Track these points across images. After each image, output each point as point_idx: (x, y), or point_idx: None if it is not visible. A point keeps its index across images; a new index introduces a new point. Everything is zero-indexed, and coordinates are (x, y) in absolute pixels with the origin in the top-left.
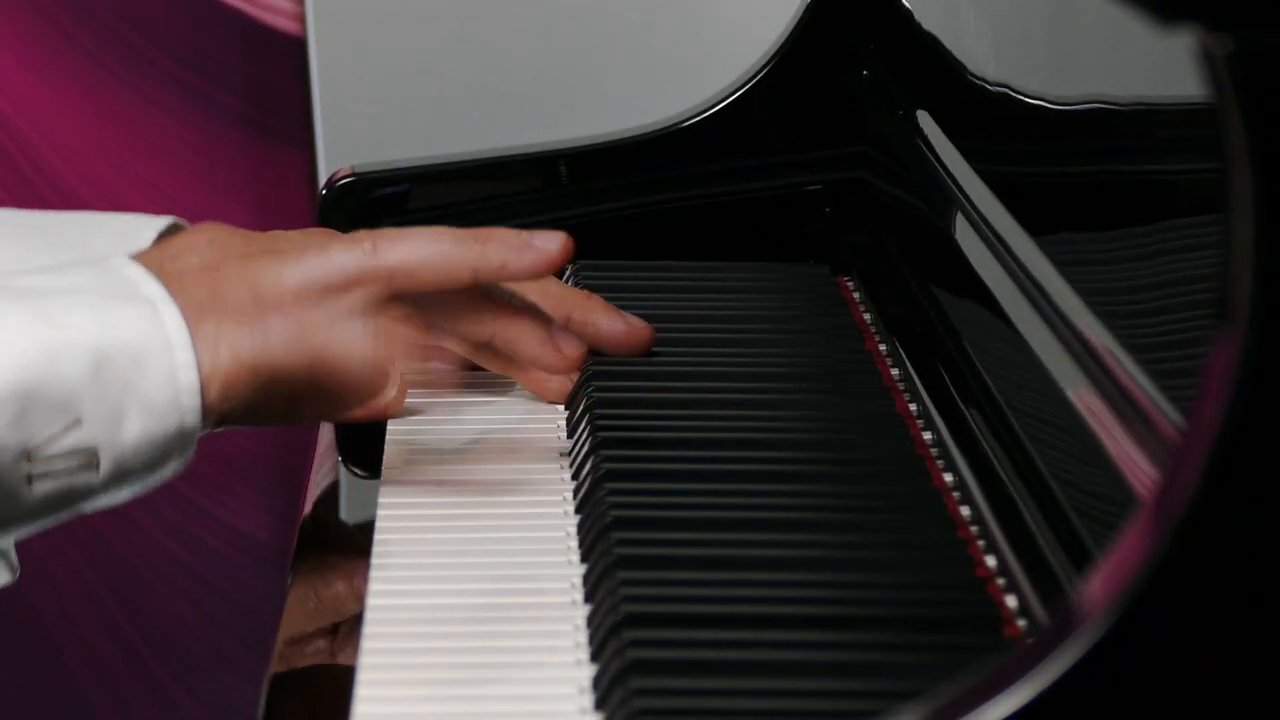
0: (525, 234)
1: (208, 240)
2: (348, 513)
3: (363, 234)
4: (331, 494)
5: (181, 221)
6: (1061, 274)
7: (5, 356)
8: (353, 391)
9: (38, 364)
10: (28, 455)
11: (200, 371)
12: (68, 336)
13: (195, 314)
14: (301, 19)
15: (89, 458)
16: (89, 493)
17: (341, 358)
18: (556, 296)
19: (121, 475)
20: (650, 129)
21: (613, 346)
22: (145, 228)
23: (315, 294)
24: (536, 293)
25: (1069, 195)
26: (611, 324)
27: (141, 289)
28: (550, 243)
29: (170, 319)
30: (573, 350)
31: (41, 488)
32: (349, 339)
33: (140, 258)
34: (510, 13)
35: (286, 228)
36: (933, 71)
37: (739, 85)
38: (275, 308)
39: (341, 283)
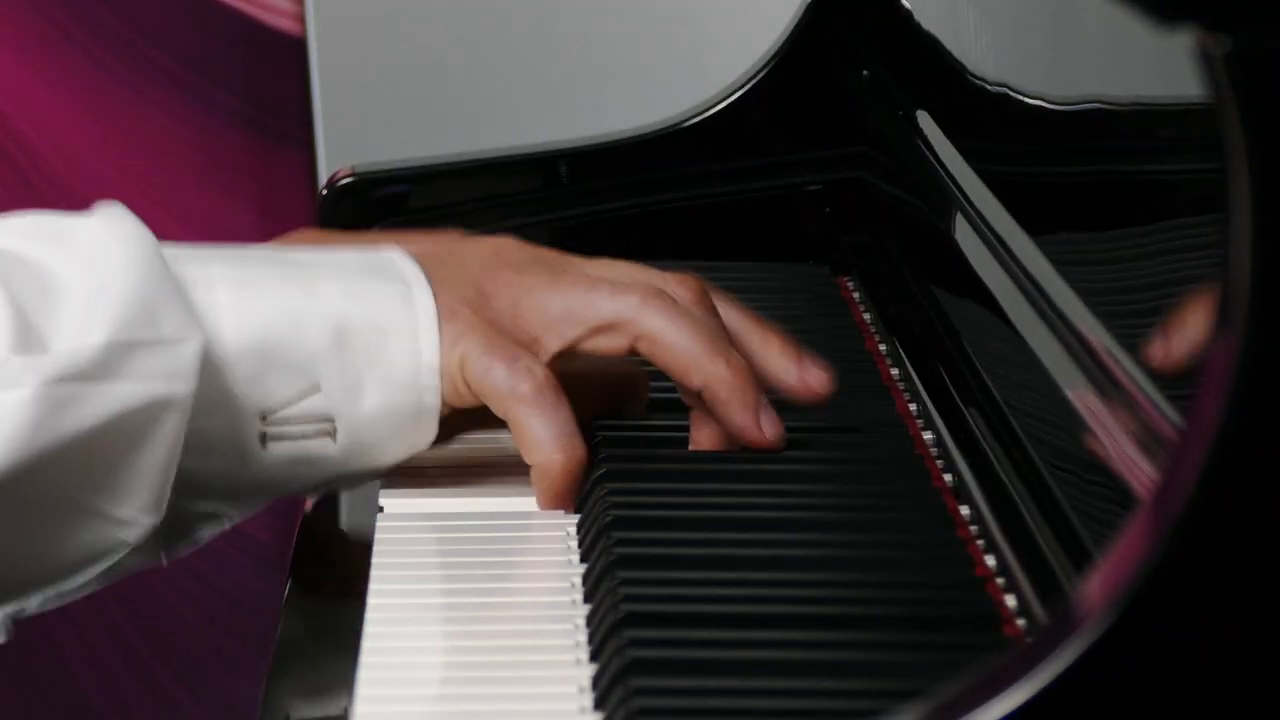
0: (758, 390)
1: (491, 250)
2: (348, 513)
3: (635, 284)
4: (332, 494)
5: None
6: (1061, 274)
7: (249, 315)
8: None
9: (281, 326)
10: (263, 415)
11: (441, 359)
12: (315, 303)
13: (454, 306)
14: (302, 19)
15: (326, 425)
16: (327, 462)
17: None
18: (735, 323)
19: (359, 447)
20: (650, 129)
21: (779, 390)
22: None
23: (569, 328)
24: (720, 311)
25: (1068, 195)
26: (783, 367)
27: (400, 269)
28: (772, 427)
29: (422, 300)
30: (773, 431)
31: (277, 450)
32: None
33: (421, 243)
34: (510, 13)
35: (287, 228)
36: (932, 72)
37: (739, 86)
38: (522, 333)
39: (597, 325)
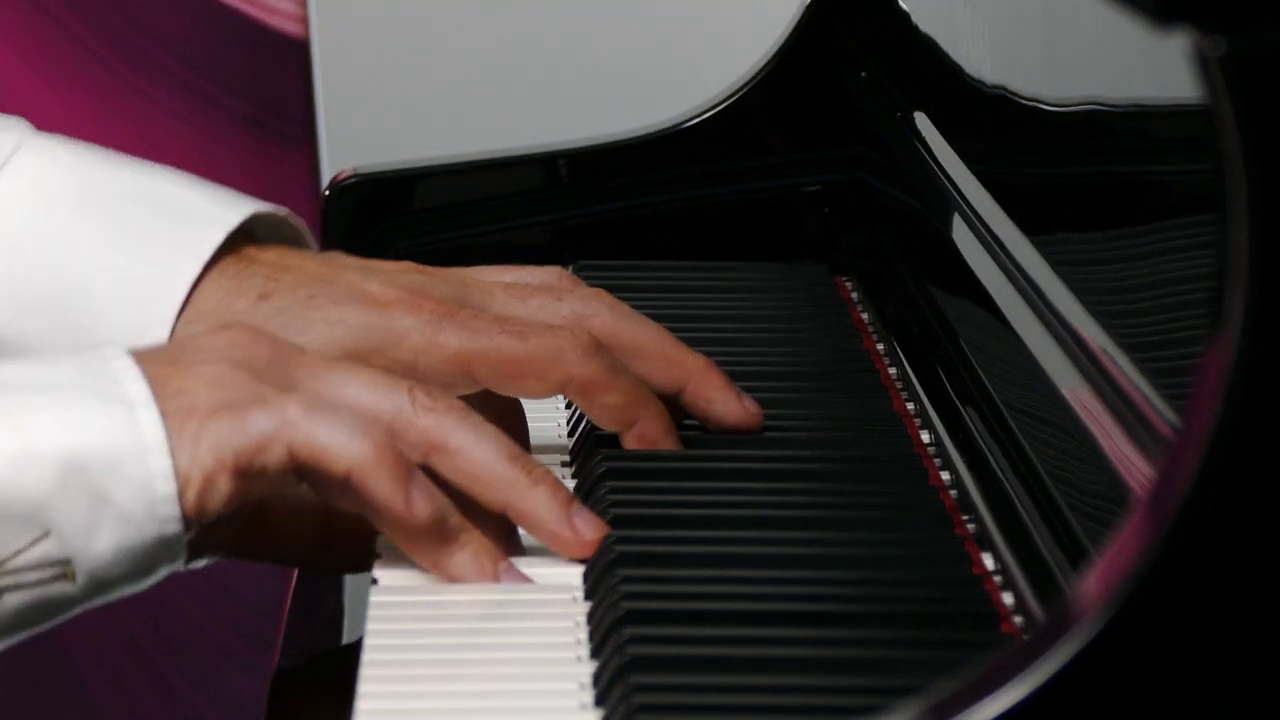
0: (570, 505)
1: (225, 343)
2: None
3: (404, 379)
4: None
5: (272, 213)
6: (1058, 274)
7: None
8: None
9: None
10: None
11: (178, 476)
12: (33, 441)
13: (183, 415)
14: (304, 22)
15: (62, 569)
16: (68, 603)
17: (331, 450)
18: (672, 361)
19: (101, 586)
20: (651, 129)
21: (722, 429)
22: (214, 224)
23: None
24: (650, 356)
25: (1065, 196)
26: (727, 405)
27: (125, 388)
28: (590, 530)
29: (148, 422)
30: (590, 534)
31: (13, 599)
32: (343, 429)
33: (150, 352)
34: (511, 14)
35: None
36: (930, 73)
37: (738, 87)
38: (269, 401)
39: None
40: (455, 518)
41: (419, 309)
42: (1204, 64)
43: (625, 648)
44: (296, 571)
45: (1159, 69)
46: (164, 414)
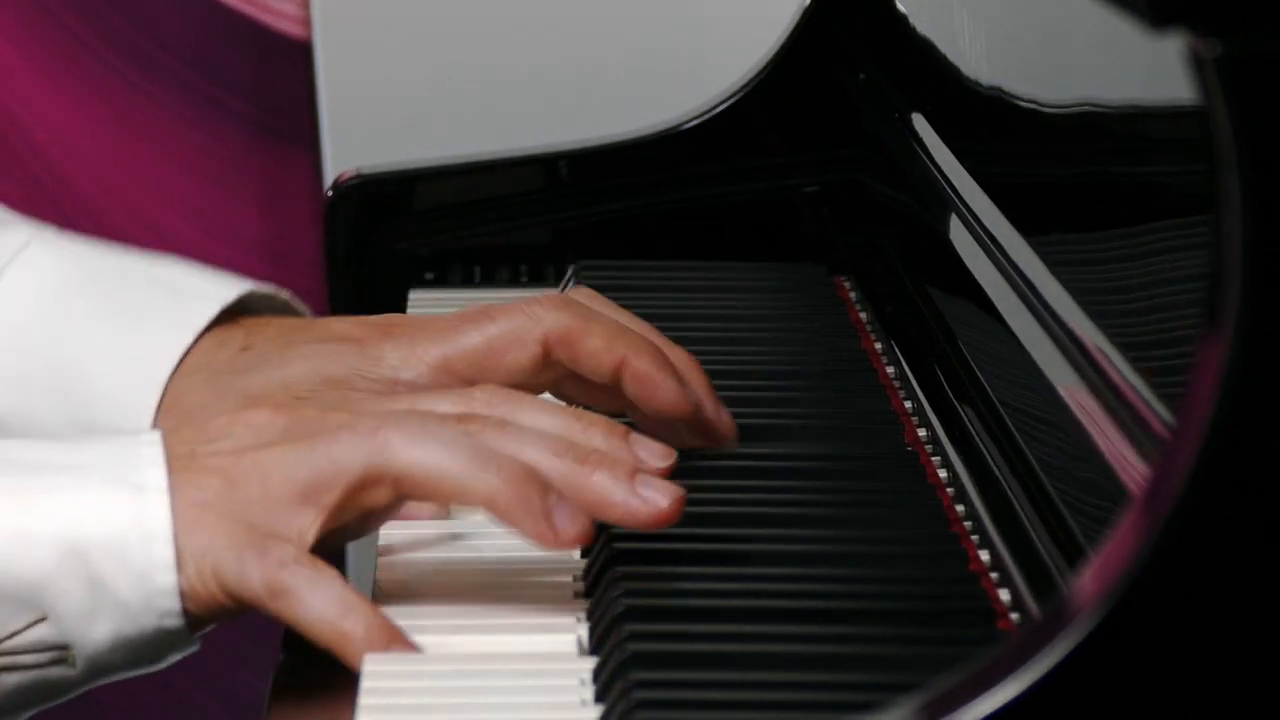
0: (544, 493)
1: (243, 423)
2: None
3: (374, 418)
4: None
5: (264, 292)
6: (1054, 273)
7: None
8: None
9: None
10: None
11: (186, 571)
12: (34, 521)
13: (198, 513)
14: (307, 24)
15: (61, 653)
16: (68, 686)
17: (309, 618)
18: (617, 334)
19: (102, 671)
20: (651, 131)
21: (660, 412)
22: (206, 299)
23: (324, 494)
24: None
25: (1061, 196)
26: (666, 387)
27: (142, 474)
28: (570, 525)
29: (157, 512)
30: (573, 529)
31: (10, 679)
32: (321, 597)
33: (172, 436)
34: (513, 17)
35: (293, 228)
36: (928, 75)
37: (737, 88)
38: (278, 519)
39: (350, 484)
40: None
41: (392, 333)
42: (1199, 66)
43: (626, 644)
44: None
45: (1154, 71)
46: (185, 510)
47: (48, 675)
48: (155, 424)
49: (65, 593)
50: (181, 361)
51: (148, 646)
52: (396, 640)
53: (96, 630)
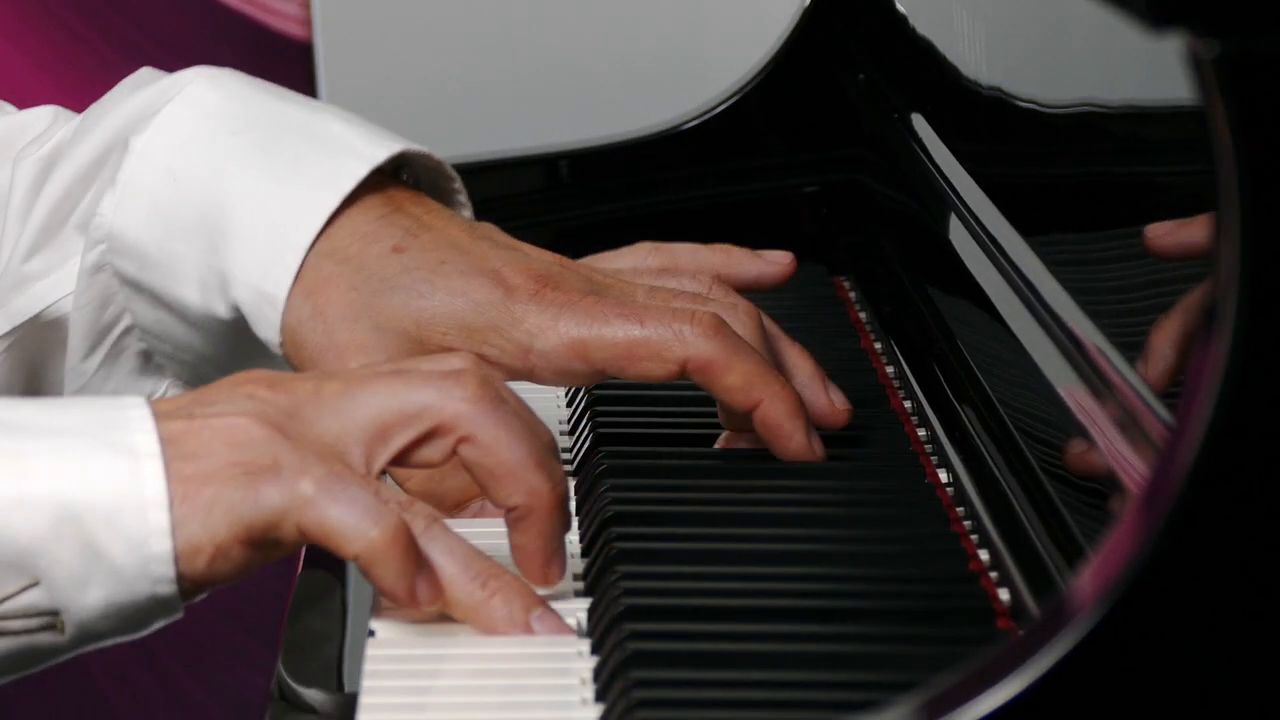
0: (561, 529)
1: (240, 395)
2: None
3: (299, 468)
4: None
5: (417, 149)
6: (1054, 273)
7: None
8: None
9: None
10: None
11: (183, 540)
12: (28, 486)
13: (201, 480)
14: (307, 24)
15: (51, 619)
16: (55, 651)
17: (343, 534)
18: (690, 256)
19: (90, 637)
20: (651, 131)
21: (757, 287)
22: (357, 160)
23: (392, 436)
24: (684, 256)
25: (1060, 196)
26: (754, 266)
27: (133, 438)
28: (557, 571)
29: (151, 476)
30: (556, 573)
31: None
32: (354, 512)
33: (167, 403)
34: (513, 18)
35: None
36: (927, 75)
37: (737, 89)
38: (283, 473)
39: (419, 433)
40: (478, 566)
41: (542, 297)
42: (1198, 66)
43: (626, 643)
44: (300, 564)
45: (1153, 71)
46: (178, 477)
47: (35, 641)
48: (288, 304)
49: (58, 558)
50: (327, 228)
51: (139, 613)
52: (414, 566)
53: (89, 596)
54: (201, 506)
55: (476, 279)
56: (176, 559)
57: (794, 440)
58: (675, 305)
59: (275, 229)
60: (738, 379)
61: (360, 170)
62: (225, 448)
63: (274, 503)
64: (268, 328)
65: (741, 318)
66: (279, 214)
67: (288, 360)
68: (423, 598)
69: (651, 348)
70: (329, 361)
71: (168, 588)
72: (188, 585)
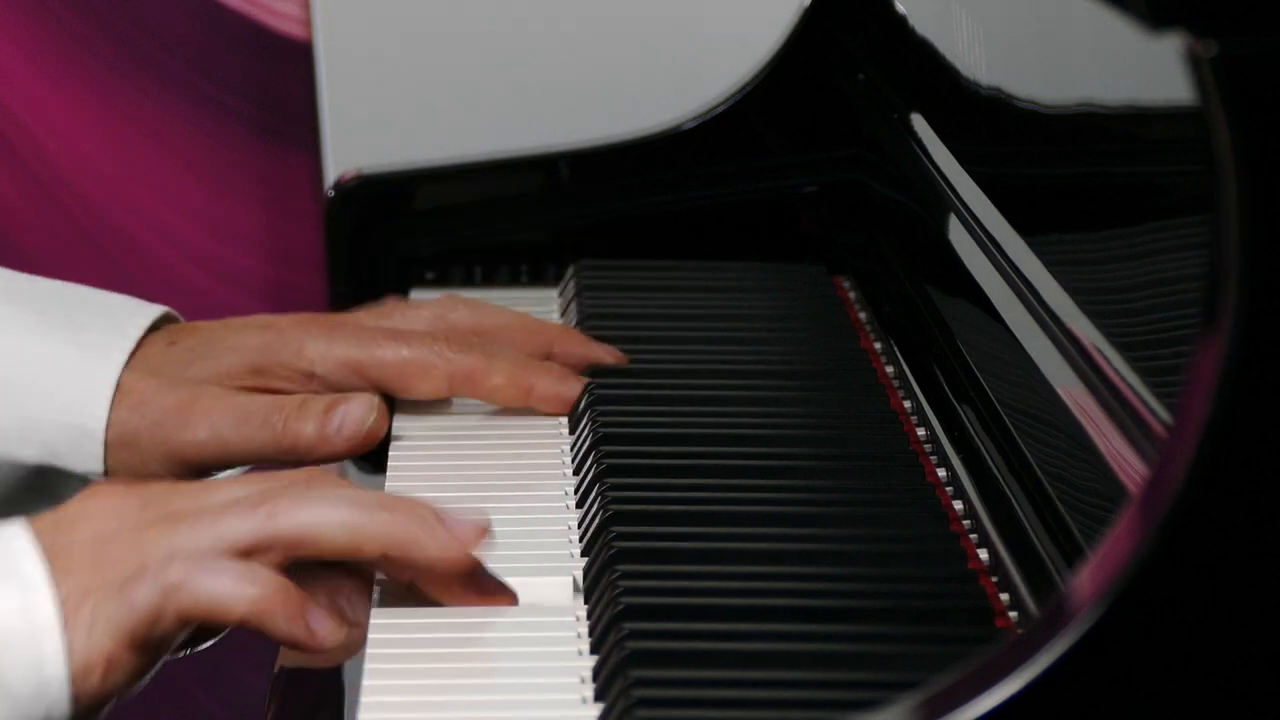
0: (435, 510)
1: (98, 509)
2: None
3: (261, 493)
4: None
5: (174, 314)
6: (1052, 273)
7: None
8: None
9: None
10: None
11: (73, 660)
12: None
13: (78, 597)
14: (308, 24)
15: None
16: None
17: (223, 604)
18: (533, 331)
19: None
20: (651, 132)
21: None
22: (136, 315)
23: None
24: (513, 331)
25: (1060, 196)
26: (590, 353)
27: (21, 567)
28: (465, 529)
29: (42, 604)
30: (322, 631)
31: None
32: (227, 580)
33: (34, 525)
34: (513, 18)
35: (293, 228)
36: (927, 76)
37: (737, 89)
38: (148, 569)
39: (236, 553)
40: (368, 498)
41: (309, 327)
42: (1196, 67)
43: (625, 642)
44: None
45: (1152, 72)
46: (59, 599)
47: None
48: (110, 418)
49: None
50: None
51: None
52: (302, 609)
53: None
54: (83, 625)
55: (248, 332)
56: (71, 680)
57: (566, 400)
58: (410, 321)
59: (80, 375)
60: (501, 378)
61: (144, 320)
62: (94, 563)
63: (148, 600)
64: (86, 459)
65: (453, 303)
66: (79, 364)
67: (115, 472)
68: (324, 635)
69: (417, 368)
70: (172, 424)
71: (62, 709)
72: (86, 702)
